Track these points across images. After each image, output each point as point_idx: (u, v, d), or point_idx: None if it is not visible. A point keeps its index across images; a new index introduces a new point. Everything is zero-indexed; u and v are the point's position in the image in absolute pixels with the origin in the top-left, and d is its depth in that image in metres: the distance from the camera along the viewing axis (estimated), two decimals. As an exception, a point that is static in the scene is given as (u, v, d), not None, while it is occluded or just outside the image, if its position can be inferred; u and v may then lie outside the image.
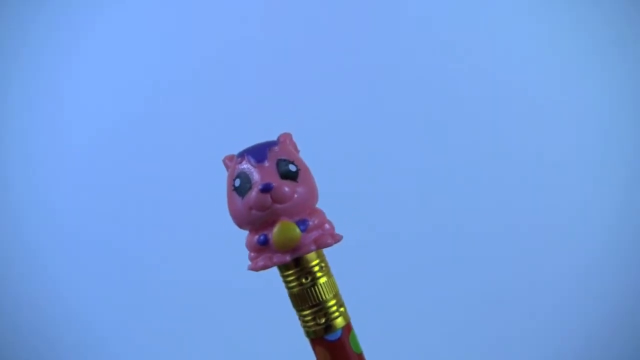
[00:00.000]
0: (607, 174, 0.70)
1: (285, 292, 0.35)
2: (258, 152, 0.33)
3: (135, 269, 0.75)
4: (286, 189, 0.32)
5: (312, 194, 0.34)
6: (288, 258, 0.33)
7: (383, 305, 0.71)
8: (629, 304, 0.70)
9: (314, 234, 0.33)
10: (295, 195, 0.33)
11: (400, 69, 0.72)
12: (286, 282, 0.34)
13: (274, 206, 0.32)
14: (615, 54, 0.70)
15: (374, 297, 0.69)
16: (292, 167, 0.33)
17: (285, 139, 0.34)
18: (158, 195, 0.75)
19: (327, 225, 0.34)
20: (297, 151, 0.35)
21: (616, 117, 0.70)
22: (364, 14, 0.73)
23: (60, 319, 0.76)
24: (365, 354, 0.36)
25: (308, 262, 0.34)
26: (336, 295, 0.34)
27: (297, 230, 0.33)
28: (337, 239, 0.34)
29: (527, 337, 0.71)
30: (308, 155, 0.35)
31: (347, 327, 0.34)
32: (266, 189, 0.32)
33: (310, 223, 0.33)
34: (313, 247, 0.33)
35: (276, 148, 0.34)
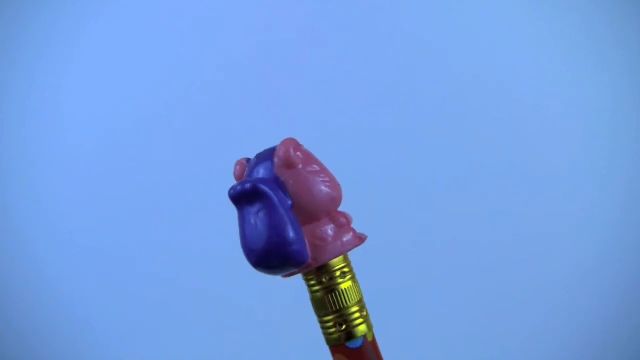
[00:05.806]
0: (608, 178, 0.70)
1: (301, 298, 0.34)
2: None
3: (135, 271, 0.75)
4: None
5: None
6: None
7: (384, 308, 0.71)
8: (629, 306, 0.70)
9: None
10: None
11: (403, 76, 0.72)
12: (309, 286, 0.33)
13: None
14: (616, 56, 0.70)
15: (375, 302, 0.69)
16: None
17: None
18: (158, 197, 0.75)
19: None
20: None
21: (616, 120, 0.70)
22: (367, 19, 0.73)
23: (59, 320, 0.76)
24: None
25: (331, 266, 0.33)
26: (360, 302, 0.33)
27: None
28: None
29: (528, 339, 0.71)
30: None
31: (370, 336, 0.33)
32: None
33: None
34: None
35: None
